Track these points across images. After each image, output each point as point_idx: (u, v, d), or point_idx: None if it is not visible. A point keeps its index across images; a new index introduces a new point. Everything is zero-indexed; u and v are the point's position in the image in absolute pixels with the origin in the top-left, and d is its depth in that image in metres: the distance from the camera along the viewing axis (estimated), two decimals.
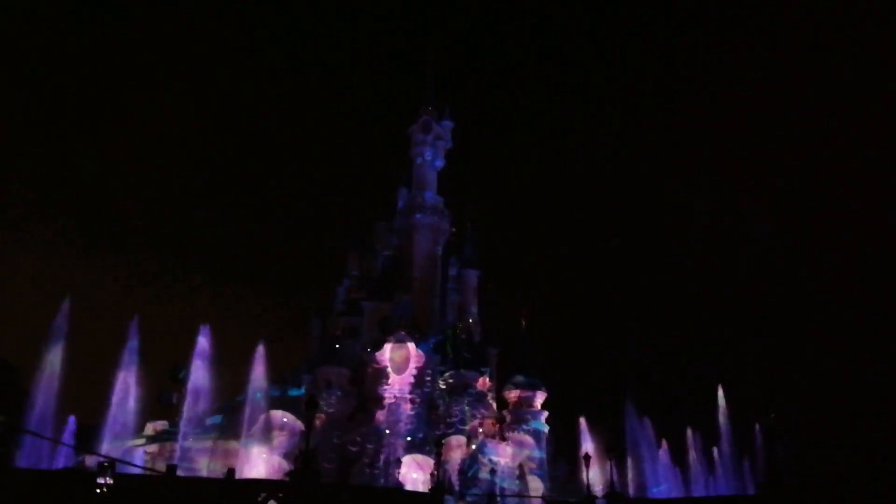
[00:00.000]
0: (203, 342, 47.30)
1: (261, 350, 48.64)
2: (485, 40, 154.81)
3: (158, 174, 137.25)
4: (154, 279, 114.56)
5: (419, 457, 52.75)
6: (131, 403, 45.37)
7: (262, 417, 50.10)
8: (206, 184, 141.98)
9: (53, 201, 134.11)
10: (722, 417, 55.86)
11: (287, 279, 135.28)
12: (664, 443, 56.88)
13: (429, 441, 52.82)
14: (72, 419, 45.62)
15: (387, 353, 58.10)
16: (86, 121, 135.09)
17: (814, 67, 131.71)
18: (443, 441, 49.00)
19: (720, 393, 56.51)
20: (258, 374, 48.32)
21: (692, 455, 55.78)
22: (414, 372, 57.52)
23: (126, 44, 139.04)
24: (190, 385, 46.93)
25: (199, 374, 46.92)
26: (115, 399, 44.34)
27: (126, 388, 45.01)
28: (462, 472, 52.44)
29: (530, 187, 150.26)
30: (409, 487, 49.98)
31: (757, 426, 52.88)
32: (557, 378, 64.42)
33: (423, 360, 58.30)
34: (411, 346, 58.01)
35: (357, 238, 72.33)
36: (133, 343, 46.04)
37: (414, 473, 52.07)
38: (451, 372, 59.35)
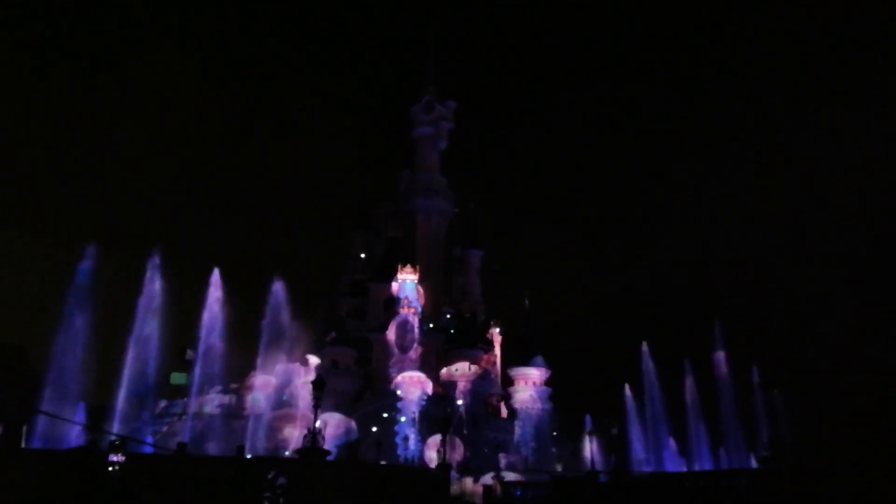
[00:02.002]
0: (216, 281, 43.91)
1: (278, 286, 44.99)
2: (486, 20, 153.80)
3: (154, 161, 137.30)
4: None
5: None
6: (148, 372, 43.03)
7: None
8: (208, 171, 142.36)
9: (69, 177, 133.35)
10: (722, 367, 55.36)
11: (291, 261, 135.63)
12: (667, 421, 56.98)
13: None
14: (81, 405, 44.98)
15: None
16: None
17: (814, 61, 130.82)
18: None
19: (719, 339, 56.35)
20: (276, 305, 44.65)
21: (691, 399, 55.50)
22: (418, 350, 58.12)
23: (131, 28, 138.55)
24: (203, 336, 43.42)
25: (213, 313, 43.14)
26: (127, 371, 42.52)
27: (142, 350, 42.24)
28: (467, 447, 53.05)
29: (533, 167, 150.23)
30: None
31: (755, 372, 53.15)
32: (561, 355, 64.83)
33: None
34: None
35: (361, 220, 72.67)
36: (154, 286, 41.37)
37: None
38: (456, 351, 59.89)
